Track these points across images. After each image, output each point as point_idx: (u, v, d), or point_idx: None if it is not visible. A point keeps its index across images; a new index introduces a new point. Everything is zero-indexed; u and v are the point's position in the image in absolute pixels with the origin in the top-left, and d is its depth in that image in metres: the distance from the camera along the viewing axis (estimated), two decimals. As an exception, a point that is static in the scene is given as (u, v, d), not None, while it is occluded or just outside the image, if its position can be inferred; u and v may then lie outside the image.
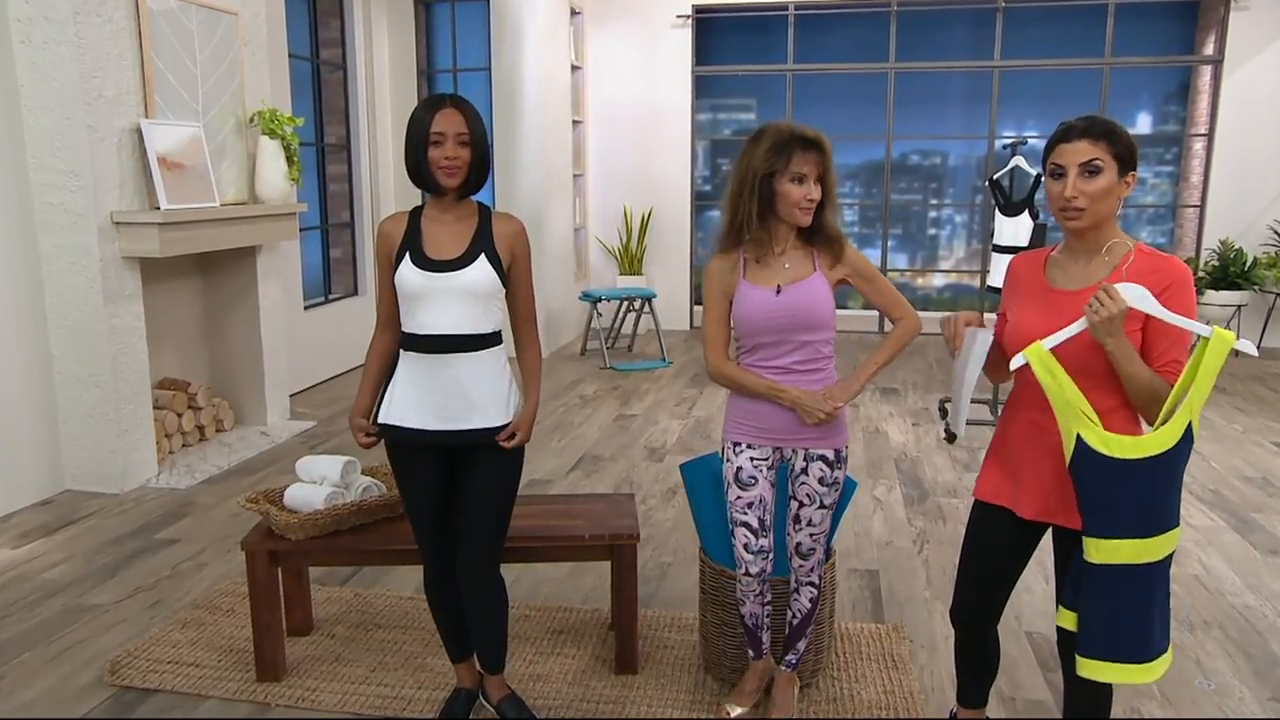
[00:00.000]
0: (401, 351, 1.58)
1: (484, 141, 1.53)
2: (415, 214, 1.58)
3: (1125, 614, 1.24)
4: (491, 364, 1.58)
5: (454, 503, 1.63)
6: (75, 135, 2.82)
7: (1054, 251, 1.40)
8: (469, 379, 1.55)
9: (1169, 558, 1.26)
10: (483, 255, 1.54)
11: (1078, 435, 1.24)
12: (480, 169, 1.53)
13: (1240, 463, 3.36)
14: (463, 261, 1.53)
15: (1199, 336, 1.22)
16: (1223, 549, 2.59)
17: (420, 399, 1.55)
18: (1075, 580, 1.29)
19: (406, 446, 1.58)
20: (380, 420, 1.59)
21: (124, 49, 2.95)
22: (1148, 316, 1.26)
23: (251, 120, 3.53)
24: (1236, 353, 1.21)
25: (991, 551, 1.45)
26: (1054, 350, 1.26)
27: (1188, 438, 1.21)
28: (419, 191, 5.65)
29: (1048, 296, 1.37)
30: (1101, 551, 1.24)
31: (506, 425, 1.59)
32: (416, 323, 1.54)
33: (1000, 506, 1.42)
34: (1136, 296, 1.23)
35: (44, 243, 2.91)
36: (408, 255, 1.52)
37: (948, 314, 1.42)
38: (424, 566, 1.69)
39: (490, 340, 1.57)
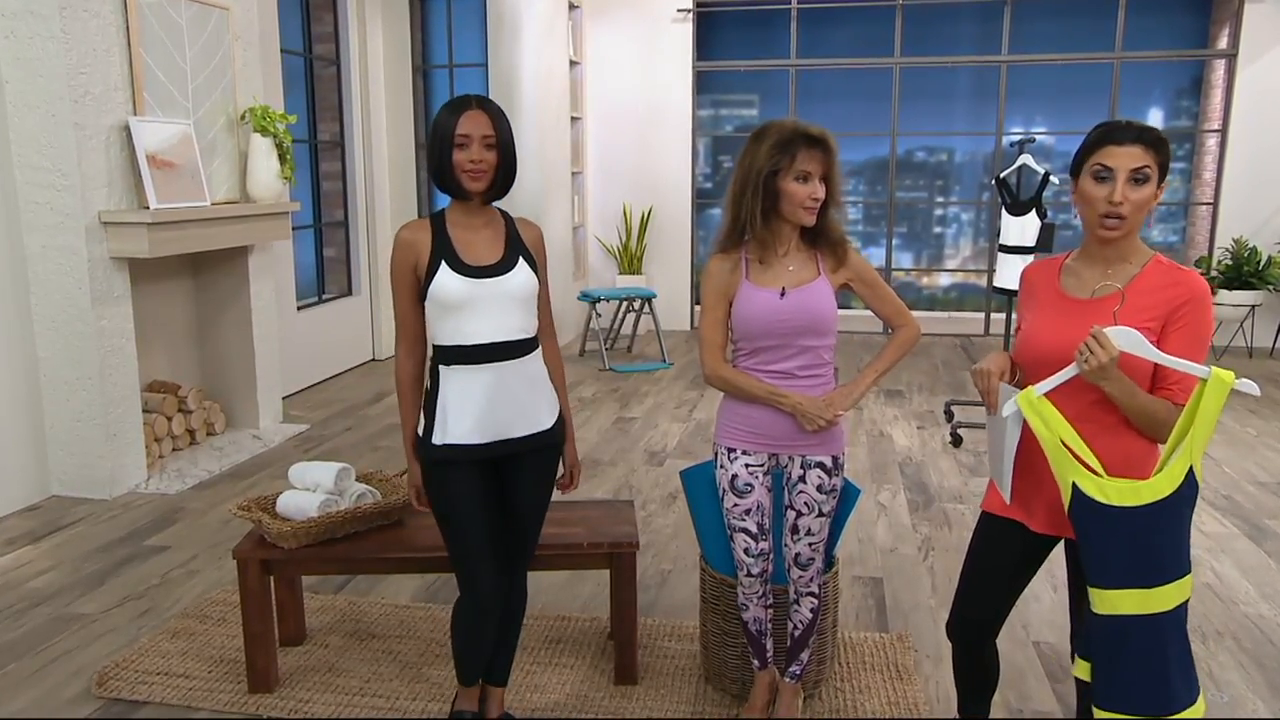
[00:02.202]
0: (443, 368, 1.50)
1: (510, 144, 1.48)
2: (436, 220, 1.52)
3: (1137, 665, 1.20)
4: (539, 367, 1.56)
5: (497, 513, 1.58)
6: (62, 133, 2.77)
7: (1069, 258, 1.36)
8: (521, 385, 1.52)
9: (1181, 607, 1.21)
10: (521, 258, 1.51)
11: (1073, 483, 1.20)
12: (506, 172, 1.49)
13: (1254, 467, 3.31)
14: (505, 266, 1.49)
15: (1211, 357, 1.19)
16: (1235, 556, 2.54)
17: (479, 412, 1.49)
18: (1087, 630, 1.26)
19: (460, 465, 1.50)
20: (439, 442, 1.49)
21: (111, 44, 2.90)
22: (1162, 328, 1.22)
23: (243, 117, 3.48)
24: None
25: (997, 566, 1.42)
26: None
27: (1190, 483, 1.17)
28: (414, 190, 5.53)
29: (1062, 305, 1.33)
30: (1105, 602, 1.20)
31: (554, 428, 1.57)
32: (462, 334, 1.48)
33: (1009, 520, 1.39)
34: (1128, 341, 1.18)
35: (30, 243, 2.86)
36: (444, 263, 1.46)
37: (978, 366, 1.33)
38: (472, 592, 1.55)
39: (534, 344, 1.55)
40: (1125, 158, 1.22)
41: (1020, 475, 1.37)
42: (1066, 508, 1.22)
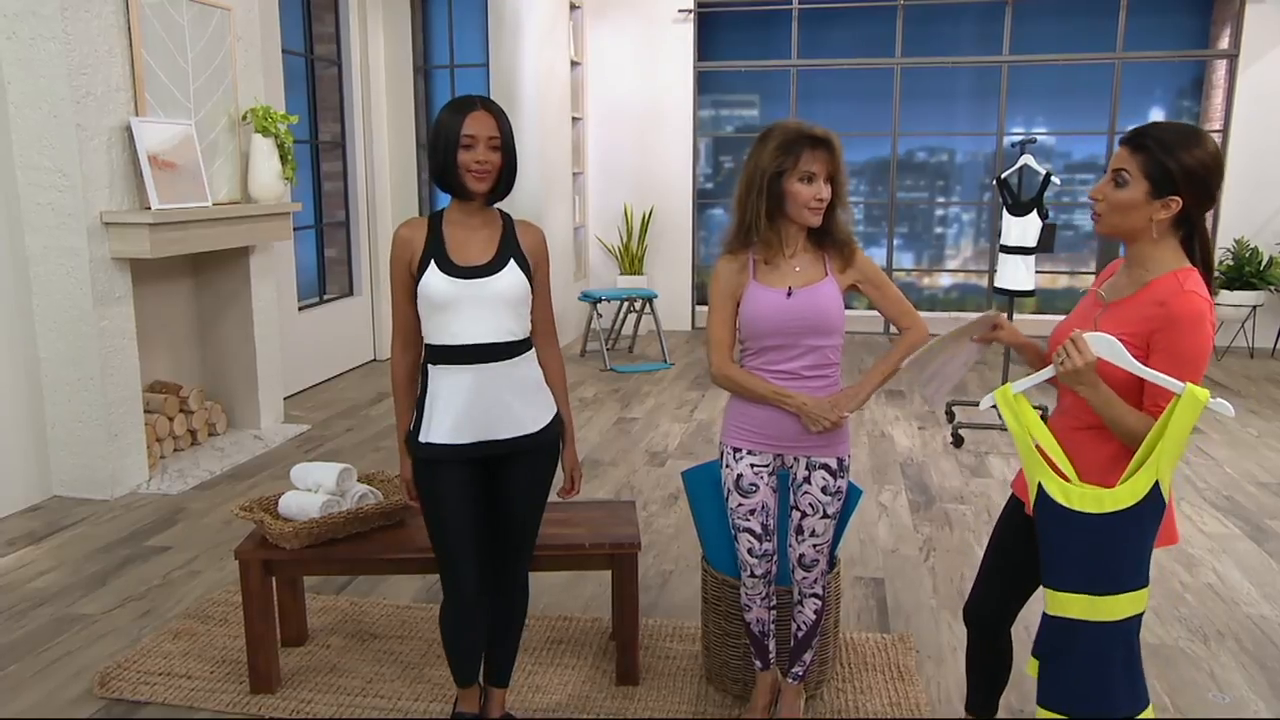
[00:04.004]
0: (431, 366, 1.51)
1: (513, 145, 1.49)
2: (435, 219, 1.52)
3: (1079, 669, 1.22)
4: (529, 370, 1.55)
5: (489, 513, 1.58)
6: (64, 133, 2.77)
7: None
8: (508, 387, 1.51)
9: (1134, 619, 1.21)
10: (512, 260, 1.51)
11: (1039, 484, 1.22)
12: (509, 174, 1.50)
13: (1255, 467, 3.31)
14: (493, 267, 1.49)
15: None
16: (1237, 557, 2.54)
17: (462, 413, 1.49)
18: (1040, 629, 1.28)
19: (446, 464, 1.51)
20: (424, 440, 1.51)
21: (113, 45, 2.90)
22: (1146, 345, 1.21)
23: (244, 118, 3.48)
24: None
25: (1007, 544, 1.45)
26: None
27: (1154, 498, 1.16)
28: (415, 190, 5.52)
29: (1087, 304, 1.36)
30: (1056, 603, 1.23)
31: (545, 429, 1.57)
32: (449, 334, 1.48)
33: (1020, 501, 1.42)
34: (1106, 348, 1.18)
35: (32, 244, 2.86)
36: (433, 263, 1.47)
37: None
38: (453, 592, 1.56)
39: (524, 346, 1.54)
40: (1115, 157, 1.27)
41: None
42: (1031, 506, 1.24)
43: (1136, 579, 1.20)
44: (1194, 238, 1.25)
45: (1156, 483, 1.15)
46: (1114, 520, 1.16)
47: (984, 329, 1.40)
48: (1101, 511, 1.17)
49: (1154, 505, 1.17)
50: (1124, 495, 1.16)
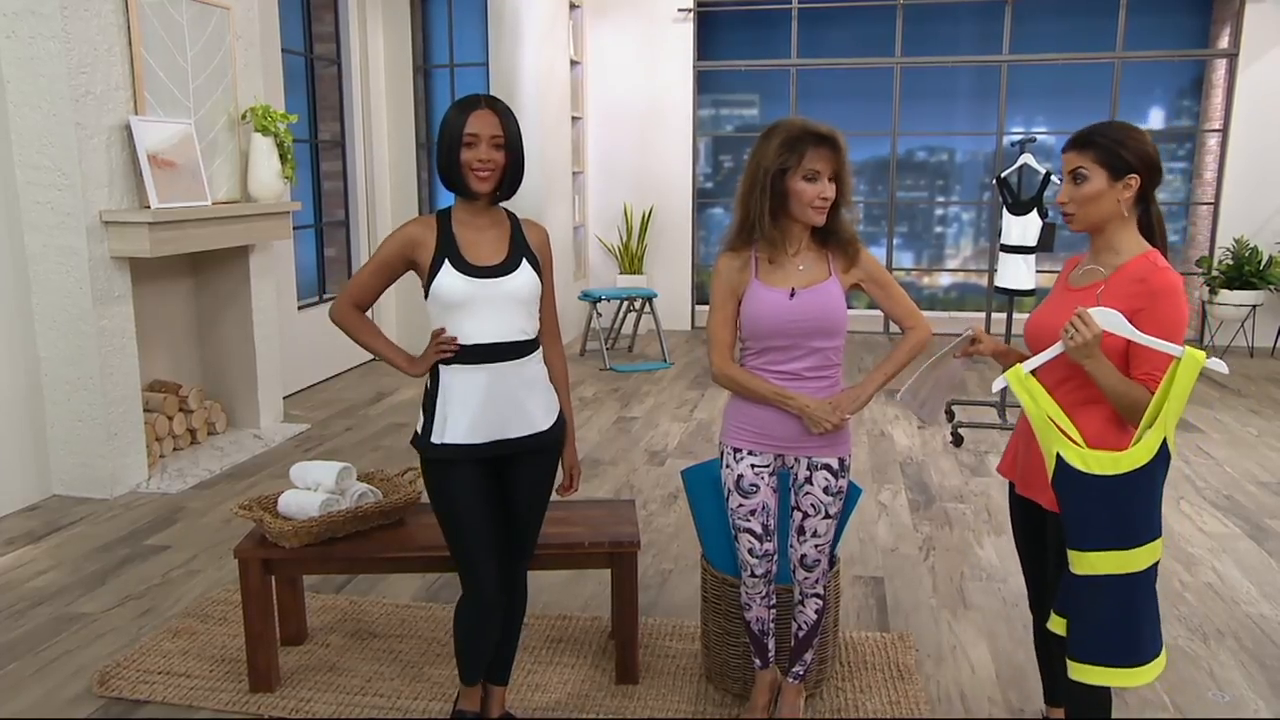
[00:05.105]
0: (442, 366, 1.52)
1: (518, 144, 1.49)
2: (443, 219, 1.52)
3: (1112, 622, 1.30)
4: (538, 369, 1.56)
5: (497, 512, 1.58)
6: (63, 132, 2.77)
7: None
8: (518, 386, 1.52)
9: (1153, 567, 1.31)
10: (524, 260, 1.51)
11: (1057, 454, 1.29)
12: (514, 173, 1.49)
13: (1255, 467, 3.31)
14: (507, 267, 1.50)
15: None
16: (1237, 556, 2.54)
17: (478, 412, 1.50)
18: (1065, 589, 1.34)
19: (460, 464, 1.51)
20: (438, 441, 1.51)
21: (113, 44, 2.91)
22: (1130, 320, 1.30)
23: (244, 117, 3.48)
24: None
25: (1022, 526, 1.54)
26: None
27: (1163, 454, 1.25)
28: (415, 190, 5.51)
29: (1064, 294, 1.44)
30: (1085, 563, 1.29)
31: (552, 428, 1.57)
32: (462, 333, 1.48)
33: (1011, 482, 1.52)
34: (1110, 321, 1.28)
35: (31, 243, 2.86)
36: (446, 262, 1.47)
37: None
38: (474, 591, 1.56)
39: (534, 345, 1.55)
40: (1066, 161, 1.38)
41: (1017, 438, 1.51)
42: (1050, 477, 1.31)
43: (1153, 530, 1.29)
44: (1150, 214, 1.38)
45: (1165, 439, 1.25)
46: (1131, 478, 1.25)
47: (963, 346, 1.49)
48: (1119, 472, 1.25)
49: (1163, 460, 1.26)
50: (1140, 454, 1.25)
